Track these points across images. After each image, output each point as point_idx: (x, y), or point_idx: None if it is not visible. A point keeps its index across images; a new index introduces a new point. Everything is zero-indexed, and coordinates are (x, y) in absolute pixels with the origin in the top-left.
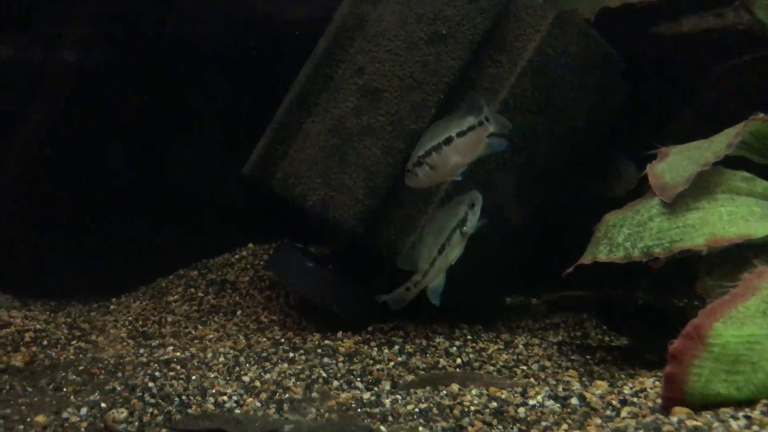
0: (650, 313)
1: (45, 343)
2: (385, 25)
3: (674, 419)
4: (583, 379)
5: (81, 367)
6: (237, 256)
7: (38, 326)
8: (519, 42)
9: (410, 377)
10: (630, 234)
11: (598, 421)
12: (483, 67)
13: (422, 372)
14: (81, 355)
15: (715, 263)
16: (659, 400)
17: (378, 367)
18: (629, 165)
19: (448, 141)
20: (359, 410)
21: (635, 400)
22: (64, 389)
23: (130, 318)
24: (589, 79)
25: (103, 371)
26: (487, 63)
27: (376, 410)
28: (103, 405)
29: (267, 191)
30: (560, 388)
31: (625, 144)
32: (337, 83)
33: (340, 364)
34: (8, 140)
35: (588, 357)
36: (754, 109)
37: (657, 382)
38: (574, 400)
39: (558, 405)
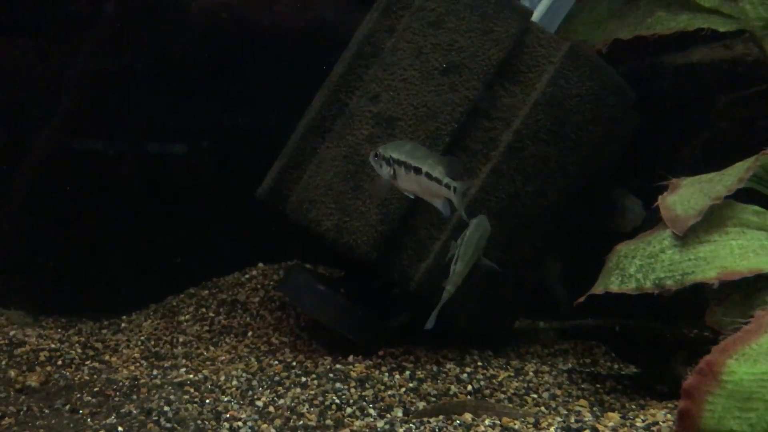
0: (660, 343)
1: (59, 362)
2: (400, 54)
3: None
4: (594, 408)
5: (96, 389)
6: (247, 276)
7: (53, 345)
8: (533, 73)
9: (422, 404)
10: (642, 265)
11: None
12: (497, 97)
13: (433, 399)
14: (95, 376)
15: (724, 294)
16: None
17: (390, 393)
18: (636, 203)
19: (418, 171)
20: None
21: None
22: (81, 411)
23: (142, 337)
24: (601, 111)
25: (118, 393)
26: (501, 93)
27: None
28: (120, 429)
29: (281, 215)
30: (572, 419)
31: (630, 175)
32: (352, 110)
33: (352, 390)
34: (19, 157)
35: (598, 386)
36: (762, 141)
37: (669, 415)
38: None
39: None
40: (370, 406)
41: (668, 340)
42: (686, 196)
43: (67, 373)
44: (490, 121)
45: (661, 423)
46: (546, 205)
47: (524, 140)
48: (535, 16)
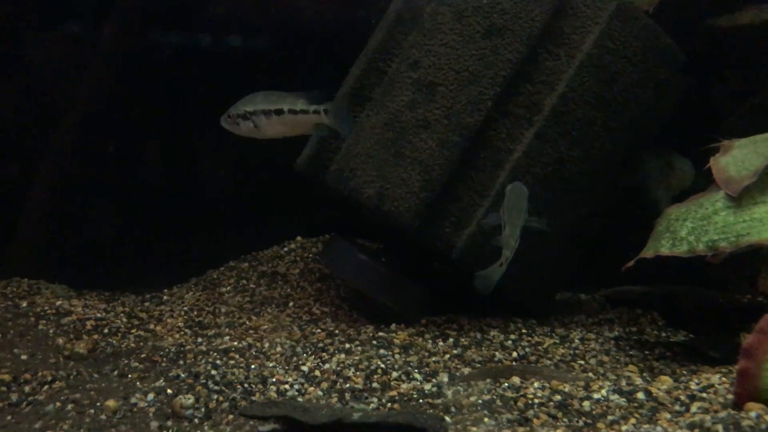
0: (712, 309)
1: (106, 331)
2: (440, 19)
3: (752, 414)
4: (644, 374)
5: (143, 355)
6: (286, 249)
7: (98, 315)
8: (577, 35)
9: (467, 370)
10: (694, 228)
11: (668, 415)
12: (540, 60)
13: (478, 365)
14: (141, 344)
15: None
16: (730, 396)
17: (434, 359)
18: (684, 162)
19: (279, 112)
20: (421, 401)
21: (704, 395)
22: (129, 376)
23: (185, 308)
24: (649, 73)
25: (164, 359)
26: (545, 56)
27: (438, 401)
28: (169, 391)
29: (320, 185)
30: (623, 383)
31: (678, 139)
32: (391, 77)
33: (397, 356)
34: (58, 134)
35: (647, 353)
36: None
37: (724, 379)
38: (640, 395)
39: (624, 399)
40: (416, 371)
41: (719, 306)
42: (740, 157)
43: (114, 341)
44: (534, 84)
45: (716, 385)
46: (592, 170)
47: (569, 104)
48: None
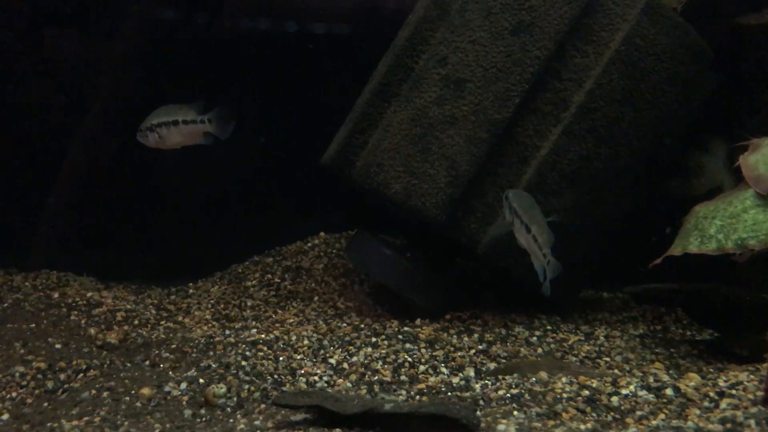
0: (739, 307)
1: (136, 322)
2: (468, 16)
3: None
4: (671, 371)
5: (173, 346)
6: (309, 244)
7: (128, 306)
8: (606, 32)
9: (492, 365)
10: (723, 226)
11: (697, 411)
12: (568, 57)
13: (504, 360)
14: (171, 335)
15: None
16: (759, 393)
17: (460, 354)
18: (711, 162)
19: (175, 123)
20: (449, 394)
21: (733, 392)
22: (161, 365)
23: (211, 301)
24: (677, 70)
25: (194, 350)
26: (573, 53)
27: (467, 394)
28: (201, 381)
29: (347, 180)
30: (651, 380)
31: (705, 137)
32: (419, 74)
33: (423, 350)
34: (83, 126)
35: (672, 350)
36: None
37: (752, 376)
38: (668, 391)
39: (652, 395)
40: (442, 365)
41: (746, 304)
42: None
43: (144, 332)
44: (561, 81)
45: (745, 383)
46: (619, 168)
47: (597, 101)
48: None
